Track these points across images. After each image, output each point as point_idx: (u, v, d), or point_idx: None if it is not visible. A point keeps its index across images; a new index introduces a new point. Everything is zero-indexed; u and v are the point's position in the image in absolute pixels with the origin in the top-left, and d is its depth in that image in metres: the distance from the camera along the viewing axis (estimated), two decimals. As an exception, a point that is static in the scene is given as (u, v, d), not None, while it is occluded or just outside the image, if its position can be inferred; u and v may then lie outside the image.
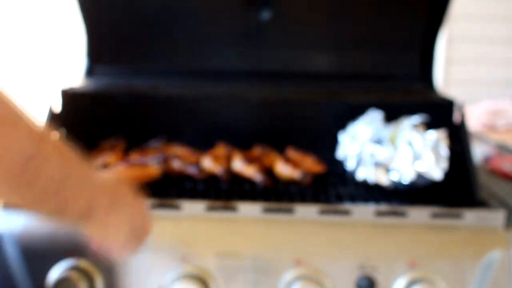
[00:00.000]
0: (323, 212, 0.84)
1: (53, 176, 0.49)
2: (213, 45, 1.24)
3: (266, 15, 1.21)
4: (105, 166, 0.98)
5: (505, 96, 2.28)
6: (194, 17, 1.22)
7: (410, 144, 0.96)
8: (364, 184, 0.99)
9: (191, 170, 1.02)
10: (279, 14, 1.21)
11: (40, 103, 1.10)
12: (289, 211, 0.84)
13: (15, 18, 2.55)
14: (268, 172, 1.03)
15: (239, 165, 1.02)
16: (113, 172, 0.63)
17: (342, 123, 1.10)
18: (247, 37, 1.23)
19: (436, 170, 0.94)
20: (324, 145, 1.12)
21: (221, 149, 1.07)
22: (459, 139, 0.99)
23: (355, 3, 1.21)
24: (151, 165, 0.99)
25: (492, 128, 1.87)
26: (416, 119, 1.01)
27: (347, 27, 1.23)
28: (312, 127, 1.19)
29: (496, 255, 0.80)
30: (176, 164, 1.02)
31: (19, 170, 0.46)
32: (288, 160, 1.04)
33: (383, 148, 0.98)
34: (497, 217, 0.83)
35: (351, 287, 0.80)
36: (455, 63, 2.54)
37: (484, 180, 1.01)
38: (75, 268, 0.79)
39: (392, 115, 1.06)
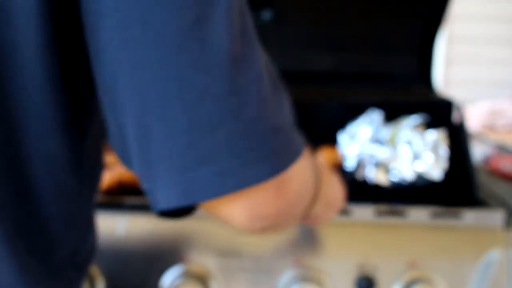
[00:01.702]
0: (323, 212, 0.84)
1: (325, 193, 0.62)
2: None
3: (267, 15, 1.21)
4: (105, 166, 0.98)
5: (505, 96, 2.28)
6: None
7: (409, 144, 0.97)
8: (364, 184, 0.99)
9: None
10: (280, 15, 1.21)
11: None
12: (289, 211, 0.84)
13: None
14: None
15: (239, 165, 1.02)
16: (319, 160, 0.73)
17: (342, 123, 1.10)
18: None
19: (435, 170, 0.94)
20: (323, 145, 1.12)
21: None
22: (458, 139, 0.99)
23: (355, 3, 1.21)
24: (151, 165, 0.99)
25: (491, 128, 1.87)
26: (416, 119, 1.01)
27: (347, 27, 1.23)
28: (312, 127, 1.19)
29: (495, 254, 0.80)
30: (177, 164, 1.02)
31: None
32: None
33: (383, 148, 0.98)
34: (496, 217, 0.83)
35: (350, 287, 0.80)
36: (455, 63, 2.54)
37: (484, 180, 1.02)
38: (75, 268, 0.80)
39: (391, 115, 1.06)
